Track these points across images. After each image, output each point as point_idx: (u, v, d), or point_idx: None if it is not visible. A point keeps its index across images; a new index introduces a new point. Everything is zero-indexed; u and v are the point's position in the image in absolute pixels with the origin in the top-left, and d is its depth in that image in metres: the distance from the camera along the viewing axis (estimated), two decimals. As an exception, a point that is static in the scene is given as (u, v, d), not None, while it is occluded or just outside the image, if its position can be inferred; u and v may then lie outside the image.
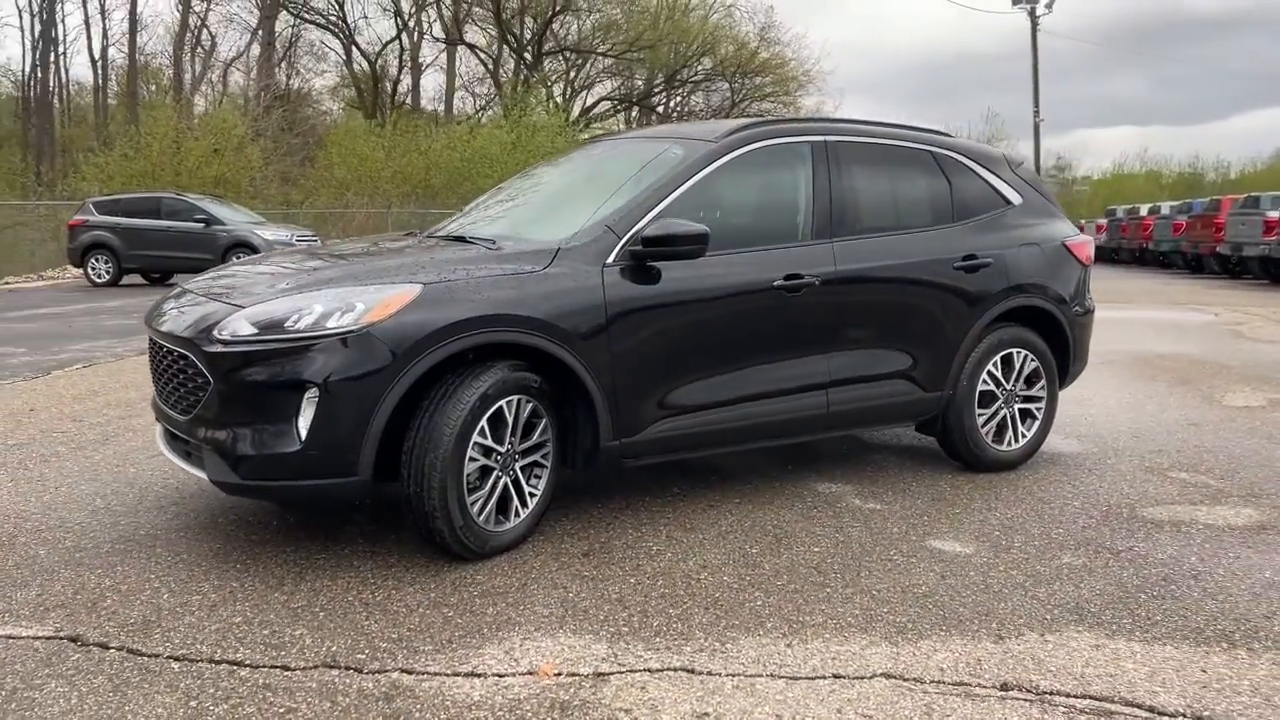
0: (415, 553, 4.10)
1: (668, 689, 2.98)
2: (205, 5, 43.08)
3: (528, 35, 50.47)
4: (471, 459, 3.89)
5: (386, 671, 3.11)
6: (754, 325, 4.59)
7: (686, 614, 3.54)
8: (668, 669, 3.12)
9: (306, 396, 3.69)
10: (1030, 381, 5.48)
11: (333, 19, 47.61)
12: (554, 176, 5.70)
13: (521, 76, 49.83)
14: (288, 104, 42.86)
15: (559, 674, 3.11)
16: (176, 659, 3.16)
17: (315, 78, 54.28)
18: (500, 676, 3.08)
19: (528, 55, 51.07)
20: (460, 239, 4.70)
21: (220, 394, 3.79)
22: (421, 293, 3.85)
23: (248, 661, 3.16)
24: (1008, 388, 5.36)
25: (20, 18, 34.01)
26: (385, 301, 3.79)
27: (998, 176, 5.49)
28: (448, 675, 3.09)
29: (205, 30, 44.74)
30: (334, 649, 3.25)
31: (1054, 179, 61.88)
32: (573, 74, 54.21)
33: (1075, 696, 2.95)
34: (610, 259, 4.25)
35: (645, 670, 3.12)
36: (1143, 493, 5.06)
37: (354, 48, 49.33)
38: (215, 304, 4.04)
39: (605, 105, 55.25)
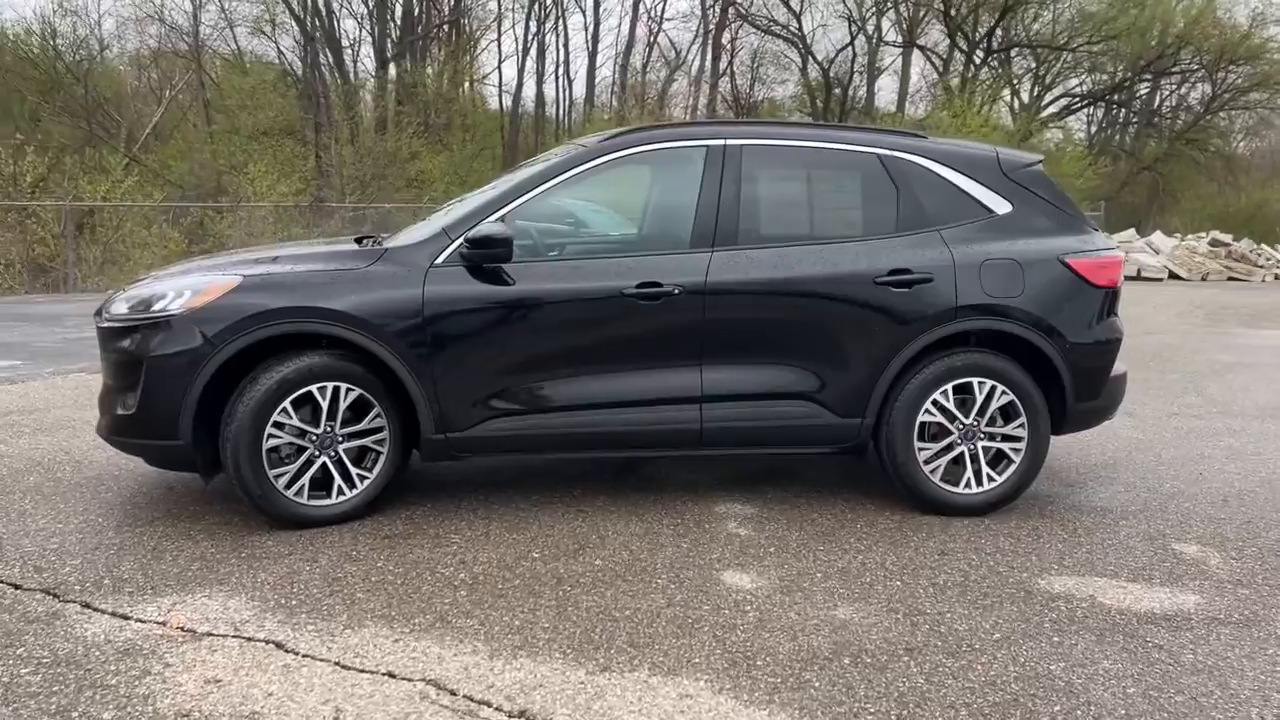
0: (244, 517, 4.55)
1: (242, 656, 3.22)
2: (657, 24, 46.42)
3: (980, 34, 48.59)
4: (272, 435, 4.31)
5: (69, 602, 3.65)
6: (602, 333, 4.53)
7: (350, 601, 3.70)
8: (266, 640, 3.35)
9: (142, 369, 4.33)
10: (1005, 418, 4.77)
11: (792, 30, 49.19)
12: (501, 176, 5.84)
13: (970, 76, 48.04)
14: (746, 115, 44.90)
15: (180, 628, 3.45)
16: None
17: (778, 86, 56.21)
18: (137, 621, 3.50)
19: (978, 54, 49.14)
20: (363, 239, 5.11)
21: (103, 362, 4.56)
22: (241, 283, 4.34)
23: (16, 581, 3.85)
24: (966, 422, 4.71)
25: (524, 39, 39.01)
26: (206, 289, 4.33)
27: (976, 181, 4.82)
28: (104, 613, 3.57)
29: (656, 46, 48.15)
30: (69, 579, 3.85)
31: None
32: (1042, 70, 51.18)
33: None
34: (440, 260, 4.45)
35: (243, 637, 3.37)
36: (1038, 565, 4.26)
37: (809, 56, 50.57)
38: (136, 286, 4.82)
39: (1066, 102, 51.53)
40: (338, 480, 4.48)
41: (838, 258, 4.61)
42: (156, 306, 4.34)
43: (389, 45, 33.86)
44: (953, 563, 4.18)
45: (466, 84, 38.65)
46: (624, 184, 4.98)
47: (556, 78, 46.43)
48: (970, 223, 4.76)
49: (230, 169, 27.94)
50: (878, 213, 4.78)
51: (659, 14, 44.45)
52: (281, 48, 36.41)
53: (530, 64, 40.60)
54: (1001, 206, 4.81)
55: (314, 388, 4.36)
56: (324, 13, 33.52)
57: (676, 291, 4.48)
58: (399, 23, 34.73)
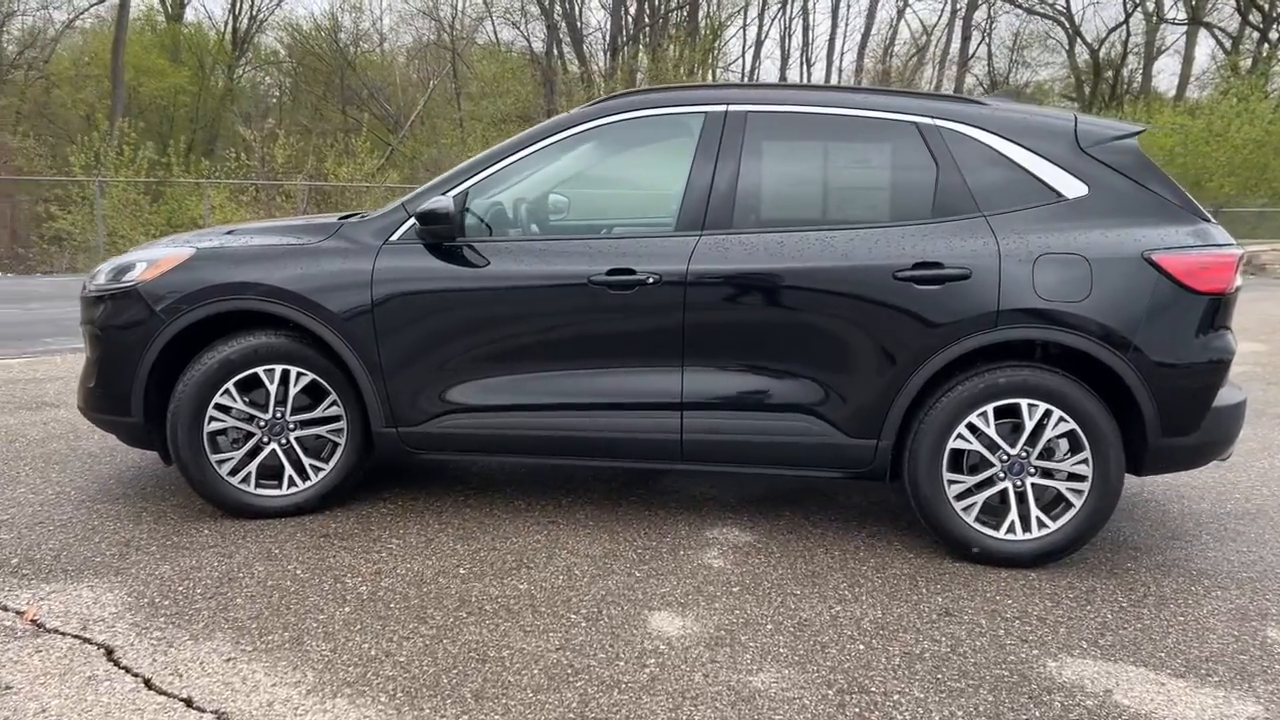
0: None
1: (58, 661, 2.97)
2: (904, 4, 44.45)
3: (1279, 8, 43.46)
4: (215, 418, 4.06)
5: (-40, 580, 3.52)
6: (567, 324, 3.99)
7: (222, 607, 3.38)
8: (99, 645, 3.08)
9: (101, 342, 4.19)
10: (1064, 451, 3.87)
11: (1058, 9, 45.91)
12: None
13: (1264, 55, 43.15)
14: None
15: (33, 620, 3.24)
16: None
17: (1041, 69, 52.67)
18: (1, 609, 3.31)
19: (1276, 30, 44.02)
20: (354, 214, 4.78)
21: (82, 333, 4.46)
22: (192, 256, 4.12)
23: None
24: (1011, 452, 3.84)
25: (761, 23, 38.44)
26: (159, 262, 4.13)
27: (1041, 157, 3.90)
28: (-20, 595, 3.41)
29: (905, 26, 46.05)
30: (-18, 554, 3.75)
31: None
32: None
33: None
34: (395, 237, 4.06)
35: (80, 638, 3.12)
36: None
37: (1078, 37, 47.05)
38: None
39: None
40: (289, 470, 4.17)
41: (851, 246, 3.85)
42: (126, 277, 4.18)
43: (623, 32, 34.08)
44: (949, 627, 3.37)
45: (709, 72, 38.40)
46: (607, 156, 4.39)
47: (801, 63, 45.29)
48: (1029, 208, 3.86)
49: (468, 153, 29.05)
50: (909, 194, 3.96)
51: (911, -7, 42.28)
52: (530, 37, 37.62)
53: (769, 49, 39.85)
54: (1073, 188, 3.88)
55: (260, 370, 4.07)
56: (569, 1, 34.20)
57: (651, 280, 3.87)
58: (631, 11, 34.89)
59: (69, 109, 34.36)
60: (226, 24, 40.18)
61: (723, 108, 4.03)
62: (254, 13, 40.62)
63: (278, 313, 4.02)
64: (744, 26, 39.87)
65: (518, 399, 4.03)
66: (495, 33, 38.74)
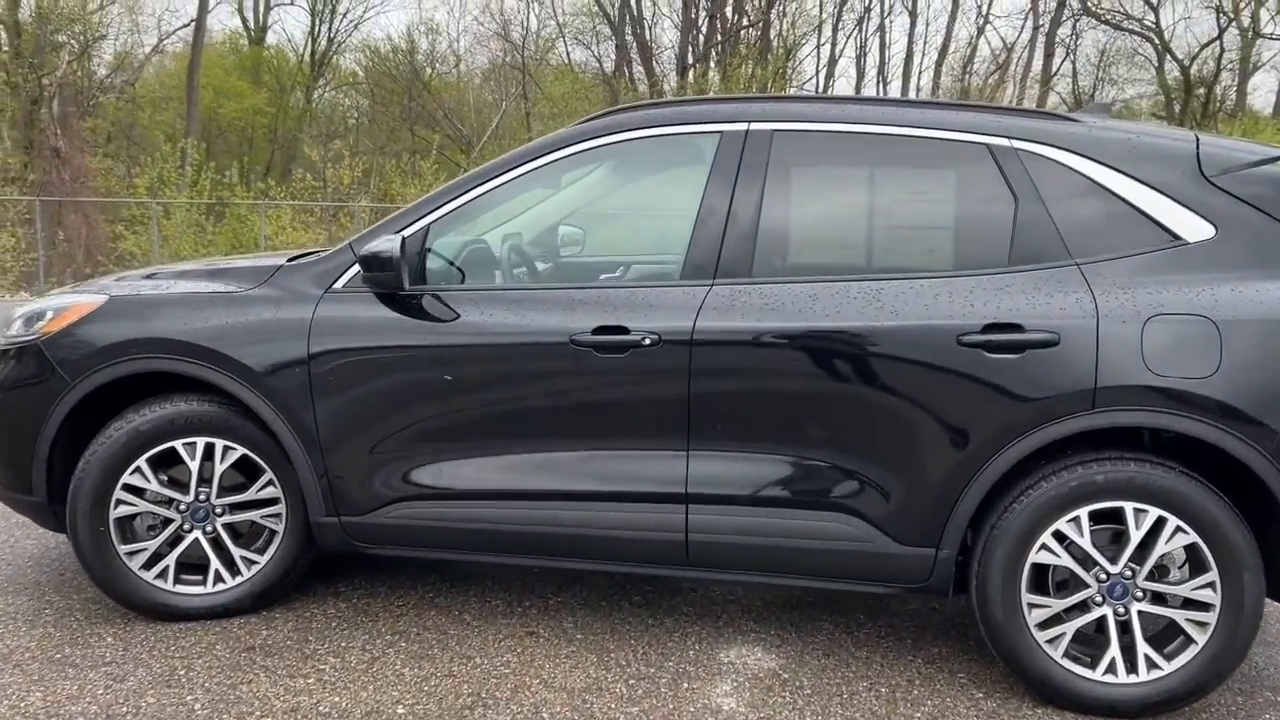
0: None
1: None
2: (983, 20, 43.02)
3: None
4: (123, 502, 3.36)
5: None
6: (546, 394, 3.21)
7: None
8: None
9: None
10: (1182, 570, 2.98)
11: (1147, 24, 44.05)
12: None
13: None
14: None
15: None
16: None
17: (1128, 87, 50.65)
18: None
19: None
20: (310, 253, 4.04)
21: None
22: (104, 305, 3.44)
23: None
24: (1111, 570, 2.95)
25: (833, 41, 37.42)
26: (65, 311, 3.47)
27: (1154, 189, 3.01)
28: None
29: (985, 43, 44.66)
30: None
31: None
32: None
33: None
34: (340, 283, 3.33)
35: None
36: None
37: (1167, 53, 45.11)
38: None
39: None
40: (215, 563, 3.45)
41: (903, 301, 3.00)
42: (35, 328, 3.51)
43: (692, 51, 33.43)
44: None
45: (783, 91, 37.48)
46: (599, 185, 3.61)
47: (877, 82, 44.22)
48: (1136, 254, 2.98)
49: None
50: (979, 235, 3.11)
51: (985, 11, 40.84)
52: (602, 57, 37.19)
53: (843, 67, 38.89)
54: (1196, 229, 2.98)
55: (179, 444, 3.36)
56: (638, 19, 33.75)
57: (648, 341, 3.07)
58: (703, 29, 34.22)
59: (150, 130, 34.87)
60: (306, 46, 40.58)
61: (742, 126, 3.21)
62: (332, 35, 40.99)
63: (193, 373, 3.30)
64: (819, 46, 38.85)
65: (485, 485, 3.27)
66: (568, 54, 38.46)
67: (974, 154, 3.10)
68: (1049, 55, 42.37)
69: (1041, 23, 40.76)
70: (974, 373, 2.93)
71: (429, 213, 3.32)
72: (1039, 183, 3.04)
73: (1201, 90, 46.84)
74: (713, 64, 32.67)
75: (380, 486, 3.31)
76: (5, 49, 26.48)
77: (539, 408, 3.21)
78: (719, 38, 32.91)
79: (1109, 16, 43.69)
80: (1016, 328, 2.91)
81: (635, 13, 33.34)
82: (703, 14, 32.91)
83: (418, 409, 3.25)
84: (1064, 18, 41.91)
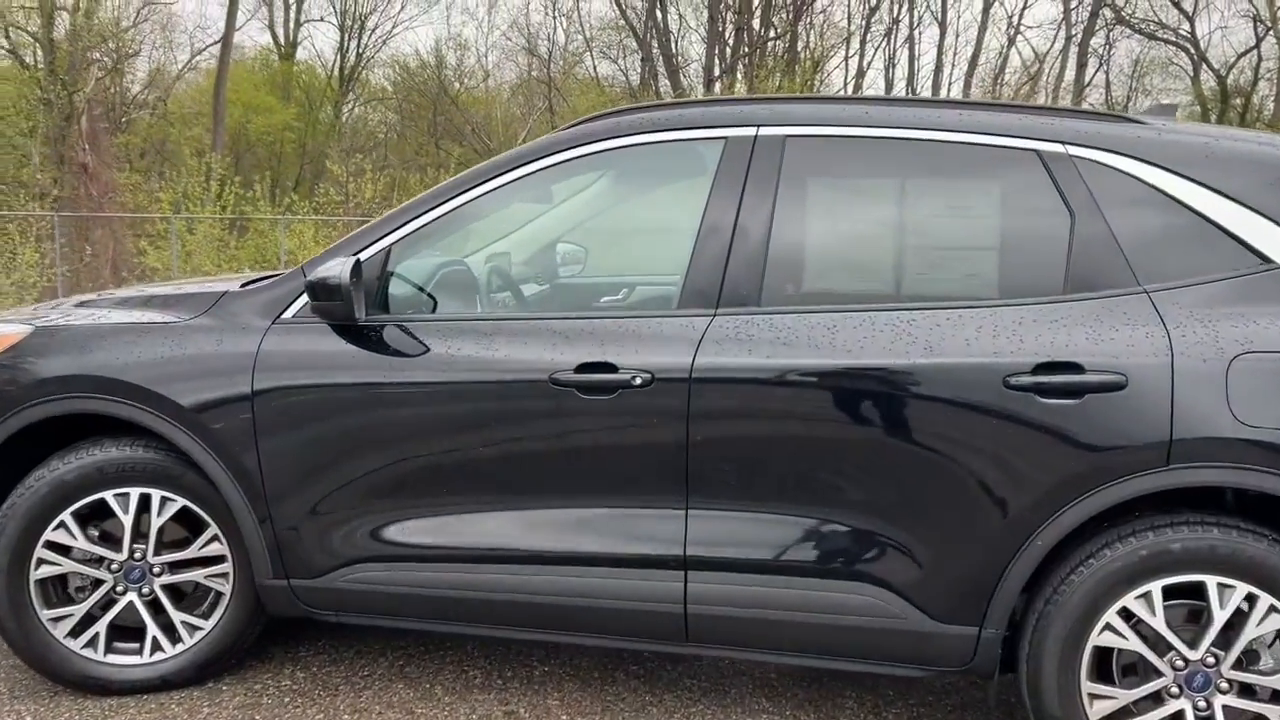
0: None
1: None
2: (1014, 31, 42.38)
3: None
4: (44, 561, 2.97)
5: None
6: (521, 441, 2.77)
7: None
8: None
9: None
10: (1276, 658, 2.50)
11: (1182, 34, 43.22)
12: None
13: None
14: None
15: None
16: None
17: (1163, 96, 49.75)
18: None
19: None
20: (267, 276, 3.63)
21: None
22: (28, 338, 3.04)
23: None
24: (1190, 656, 2.47)
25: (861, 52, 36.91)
26: (-14, 344, 3.05)
27: (1237, 202, 2.54)
28: None
29: (1016, 54, 43.95)
30: None
31: None
32: None
33: None
34: (290, 312, 2.92)
35: None
36: None
37: (1203, 63, 44.22)
38: None
39: None
40: (152, 630, 3.04)
41: (939, 335, 2.54)
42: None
43: (717, 64, 33.05)
44: None
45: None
46: (581, 200, 3.18)
47: (907, 94, 43.58)
48: (1218, 279, 2.51)
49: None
50: (1029, 256, 2.65)
51: (1016, 22, 40.21)
52: (628, 71, 36.92)
53: (871, 79, 38.36)
54: (1290, 250, 2.50)
55: (109, 494, 2.95)
56: (664, 32, 33.48)
57: (639, 381, 2.62)
58: (729, 41, 33.87)
59: (180, 146, 34.98)
60: (334, 62, 40.62)
61: (750, 130, 2.77)
62: (360, 50, 41.02)
63: (125, 415, 2.90)
64: (847, 58, 38.30)
65: (454, 544, 2.84)
66: (594, 68, 38.21)
67: (1022, 162, 2.64)
68: (1081, 65, 41.66)
69: (1074, 33, 40.08)
70: (1024, 420, 2.47)
71: (390, 232, 2.90)
72: (1099, 195, 2.57)
73: (1239, 100, 45.90)
74: (739, 76, 32.24)
75: (335, 545, 2.89)
76: (40, 67, 26.56)
77: (514, 456, 2.77)
78: (746, 50, 32.51)
79: (1143, 26, 42.97)
80: (1074, 367, 2.44)
81: (661, 26, 33.12)
82: (729, 26, 32.53)
83: (375, 456, 2.83)
84: (1097, 27, 41.22)
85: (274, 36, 39.56)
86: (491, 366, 2.73)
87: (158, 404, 2.86)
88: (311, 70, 42.28)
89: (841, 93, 37.37)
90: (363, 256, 2.81)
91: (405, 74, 41.55)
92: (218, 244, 21.93)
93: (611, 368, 2.64)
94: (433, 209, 2.91)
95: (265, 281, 3.06)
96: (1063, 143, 2.63)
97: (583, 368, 2.66)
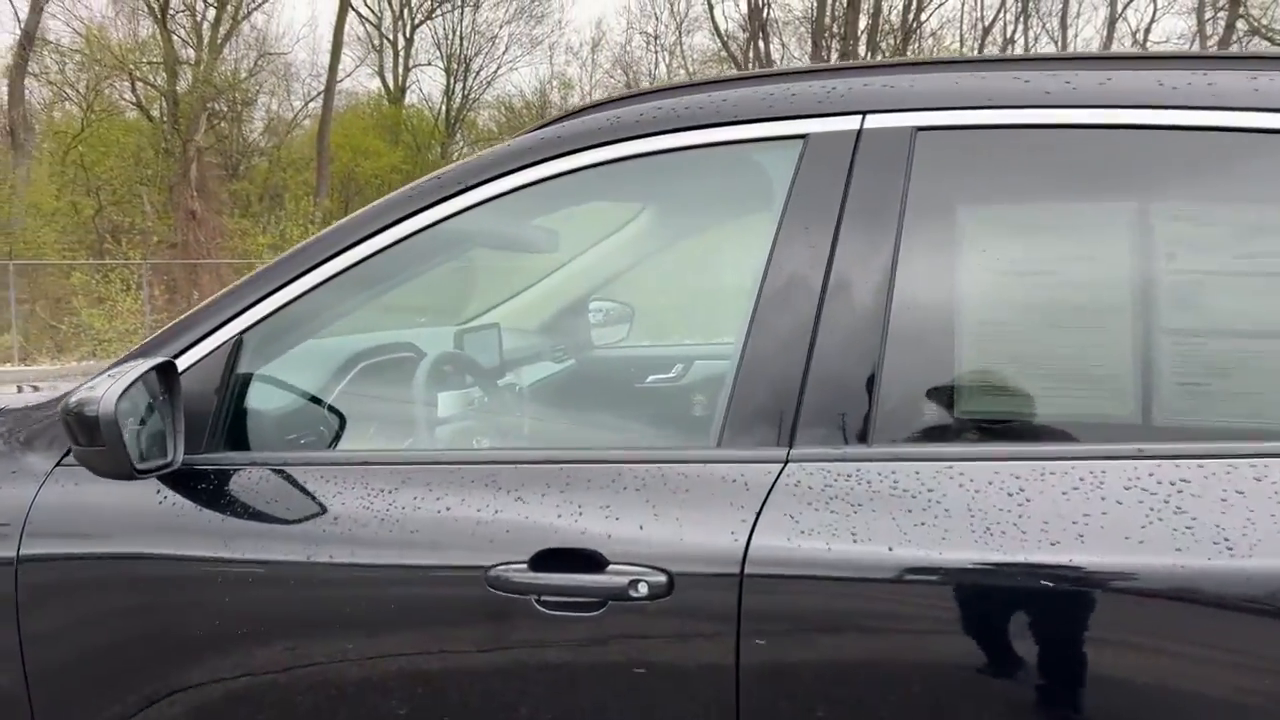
0: None
1: None
2: (1140, 48, 40.18)
3: None
4: None
5: None
6: (439, 676, 1.57)
7: None
8: None
9: None
10: None
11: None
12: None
13: None
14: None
15: None
16: None
17: None
18: None
19: None
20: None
21: None
22: None
23: None
24: None
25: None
26: None
27: None
28: None
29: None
30: None
31: None
32: None
33: None
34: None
35: None
36: None
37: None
38: None
39: None
40: None
41: (1245, 514, 1.22)
42: None
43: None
44: None
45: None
46: (566, 239, 1.96)
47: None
48: None
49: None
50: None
51: (1143, 40, 38.05)
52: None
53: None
54: None
55: None
56: (767, 63, 32.73)
57: (643, 590, 1.37)
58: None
59: (292, 191, 35.36)
60: (441, 104, 40.72)
61: (851, 122, 1.49)
62: (466, 92, 41.05)
63: None
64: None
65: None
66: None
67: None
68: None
69: (1209, 46, 37.85)
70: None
71: (242, 310, 1.73)
72: None
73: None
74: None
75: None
76: (164, 120, 26.93)
77: (428, 695, 1.55)
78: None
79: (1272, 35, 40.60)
80: None
81: (764, 56, 32.18)
82: (834, 53, 31.42)
83: (196, 669, 1.66)
84: (1232, 40, 38.89)
85: (383, 82, 39.89)
86: (379, 548, 1.53)
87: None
88: (420, 113, 42.53)
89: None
90: (182, 360, 1.64)
91: (510, 114, 41.44)
92: (315, 288, 21.65)
93: (596, 560, 1.43)
94: (322, 264, 1.72)
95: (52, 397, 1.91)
96: None
97: (540, 560, 1.43)
